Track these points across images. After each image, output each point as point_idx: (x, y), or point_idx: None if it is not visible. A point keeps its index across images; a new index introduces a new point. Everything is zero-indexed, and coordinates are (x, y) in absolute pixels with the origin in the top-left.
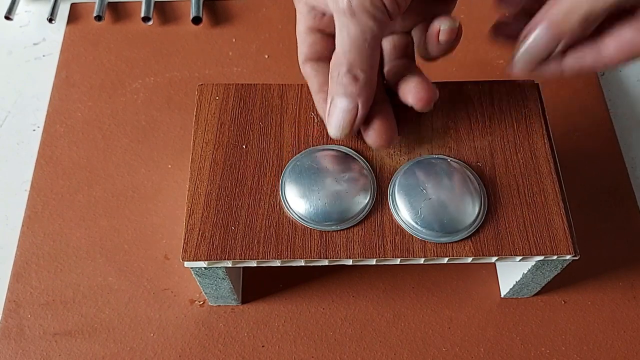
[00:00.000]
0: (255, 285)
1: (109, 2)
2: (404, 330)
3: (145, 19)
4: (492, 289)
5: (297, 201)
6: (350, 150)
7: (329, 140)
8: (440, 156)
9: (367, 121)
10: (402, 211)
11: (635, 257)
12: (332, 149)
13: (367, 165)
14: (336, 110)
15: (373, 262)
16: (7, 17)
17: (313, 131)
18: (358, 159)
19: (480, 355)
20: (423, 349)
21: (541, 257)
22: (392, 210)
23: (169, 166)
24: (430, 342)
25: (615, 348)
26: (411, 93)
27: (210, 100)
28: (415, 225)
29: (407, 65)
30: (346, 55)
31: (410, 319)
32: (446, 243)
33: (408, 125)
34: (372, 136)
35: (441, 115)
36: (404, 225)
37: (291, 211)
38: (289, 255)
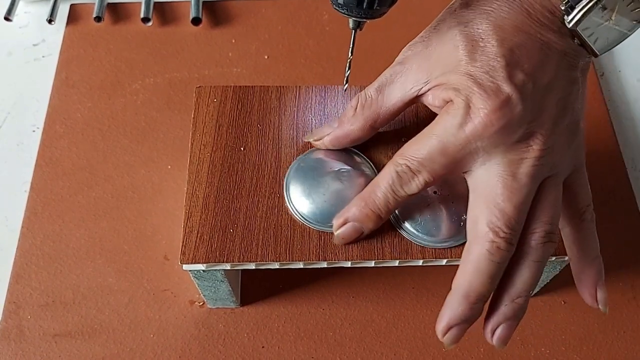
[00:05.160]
0: (255, 286)
1: (109, 3)
2: (404, 331)
3: (145, 19)
4: None
5: (301, 201)
6: (356, 150)
7: None
8: None
9: None
10: (401, 218)
11: (635, 257)
12: (338, 150)
13: (372, 167)
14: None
15: (372, 264)
16: (6, 18)
17: None
18: (363, 161)
19: (480, 355)
20: (423, 350)
21: None
22: (391, 217)
23: (169, 167)
24: (430, 343)
25: (615, 348)
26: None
27: (208, 102)
28: (416, 232)
29: None
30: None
31: (410, 320)
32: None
33: (407, 129)
34: None
35: None
36: (403, 233)
37: (295, 211)
38: (287, 257)
